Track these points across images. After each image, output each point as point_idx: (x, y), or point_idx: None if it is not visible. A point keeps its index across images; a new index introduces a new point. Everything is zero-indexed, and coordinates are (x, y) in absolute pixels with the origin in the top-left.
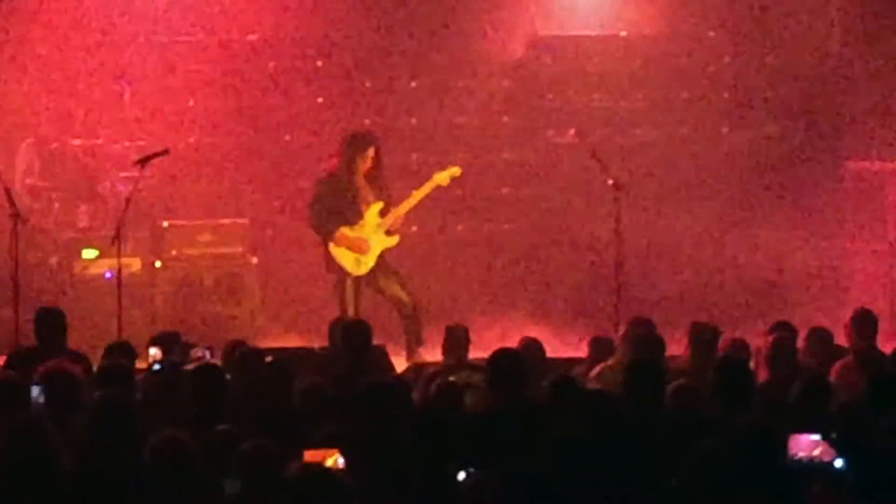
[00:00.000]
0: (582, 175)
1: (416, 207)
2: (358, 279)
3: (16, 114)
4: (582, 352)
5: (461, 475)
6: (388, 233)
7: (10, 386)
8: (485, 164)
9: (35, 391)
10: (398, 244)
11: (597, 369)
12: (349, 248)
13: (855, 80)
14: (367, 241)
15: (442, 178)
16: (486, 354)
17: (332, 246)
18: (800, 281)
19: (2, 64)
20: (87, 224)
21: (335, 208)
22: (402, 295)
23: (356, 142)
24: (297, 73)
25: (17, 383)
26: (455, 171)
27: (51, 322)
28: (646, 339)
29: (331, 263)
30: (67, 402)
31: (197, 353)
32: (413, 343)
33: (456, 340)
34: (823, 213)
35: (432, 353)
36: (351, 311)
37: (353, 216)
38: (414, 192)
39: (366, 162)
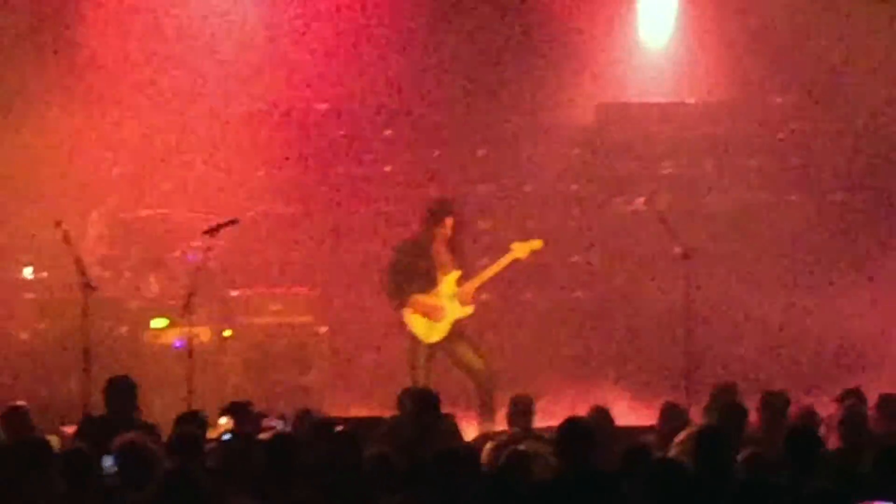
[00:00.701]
0: (651, 243)
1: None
2: (430, 347)
3: (87, 183)
4: (652, 420)
5: None
6: (463, 303)
7: (81, 455)
8: (554, 231)
9: (107, 462)
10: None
11: (681, 436)
12: (423, 314)
13: None
14: (442, 309)
15: (521, 250)
16: (555, 423)
17: (405, 312)
18: (868, 347)
19: (75, 133)
20: (156, 293)
21: (412, 274)
22: (477, 363)
23: (438, 209)
24: (366, 142)
25: (88, 453)
26: (536, 244)
27: (121, 391)
28: (730, 406)
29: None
30: (141, 473)
31: (269, 422)
32: (486, 411)
33: (521, 410)
34: (890, 280)
35: (503, 423)
36: (421, 380)
37: (428, 284)
38: (493, 265)
39: (445, 230)
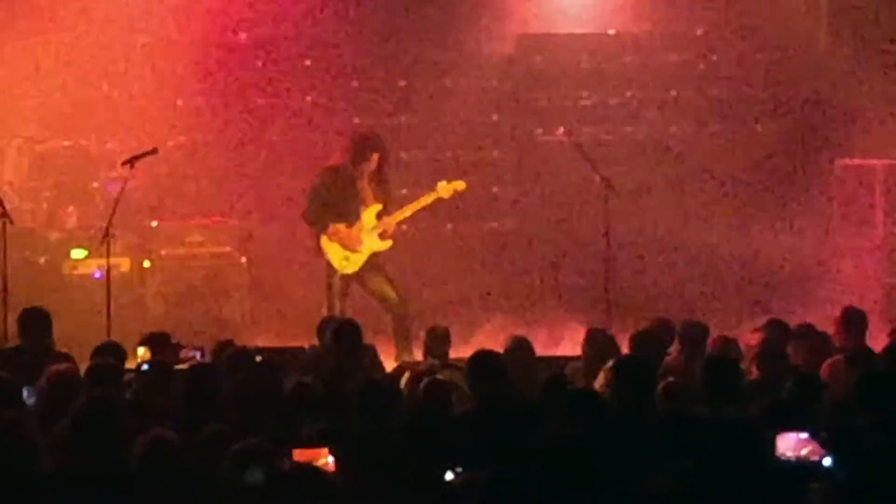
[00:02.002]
0: (572, 173)
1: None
2: (345, 278)
3: (3, 115)
4: (573, 350)
5: (449, 475)
6: (382, 236)
7: (2, 385)
8: (475, 162)
9: (26, 393)
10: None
11: (607, 365)
12: (340, 243)
13: (844, 77)
14: (361, 241)
15: (445, 190)
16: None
17: (323, 240)
18: (790, 278)
19: None
20: (75, 224)
21: (333, 203)
22: (392, 294)
23: (364, 144)
24: (287, 73)
25: (10, 383)
26: (459, 185)
27: (36, 322)
28: (649, 336)
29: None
30: (62, 405)
31: (187, 353)
32: (402, 342)
33: (438, 341)
34: (813, 211)
35: (420, 356)
36: (337, 310)
37: (349, 215)
38: (414, 202)
39: (370, 165)
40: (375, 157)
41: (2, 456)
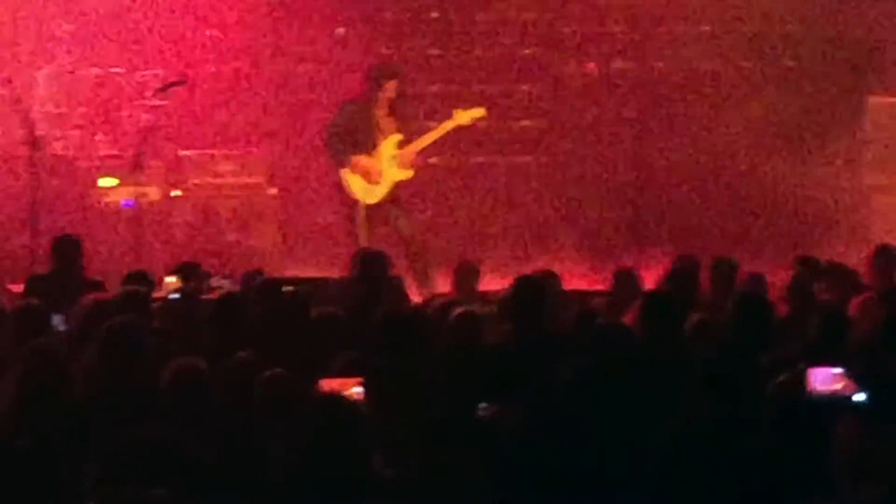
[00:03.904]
0: (602, 108)
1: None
2: (369, 208)
3: (33, 42)
4: (603, 285)
5: (480, 407)
6: (403, 166)
7: (34, 312)
8: (503, 96)
9: (56, 320)
10: (413, 178)
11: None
12: (362, 174)
13: (877, 11)
14: (380, 171)
15: (464, 117)
16: (500, 289)
17: (344, 172)
18: (821, 215)
19: None
20: (105, 152)
21: (352, 135)
22: (408, 229)
23: (380, 73)
24: (317, 4)
25: (41, 310)
26: (478, 112)
27: (66, 250)
28: (680, 272)
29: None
30: (94, 332)
31: (216, 282)
32: (420, 278)
33: (466, 275)
34: (844, 147)
35: (443, 290)
36: (363, 241)
37: (369, 146)
38: (434, 129)
39: (387, 93)
40: (391, 85)
41: (34, 382)
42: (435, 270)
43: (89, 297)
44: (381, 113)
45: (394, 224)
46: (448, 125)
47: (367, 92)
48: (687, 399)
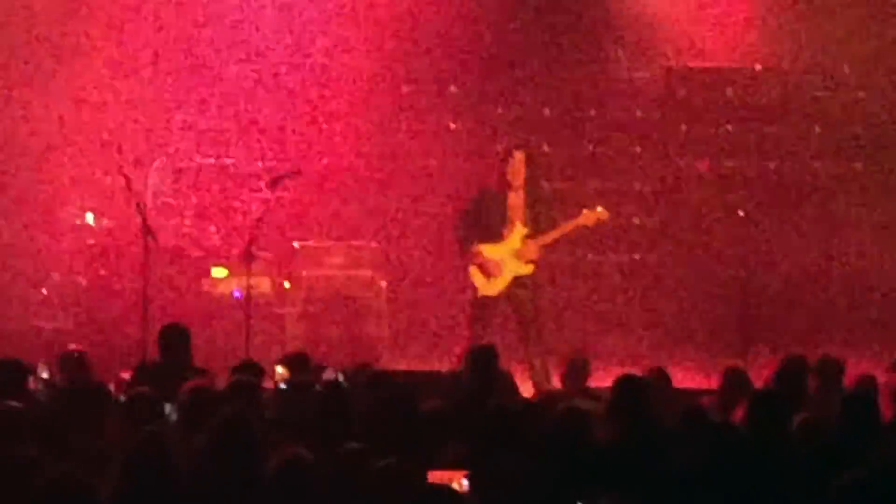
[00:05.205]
0: (714, 205)
1: None
2: (485, 300)
3: (150, 131)
4: (711, 384)
5: None
6: (524, 259)
7: (148, 400)
8: (617, 193)
9: (168, 408)
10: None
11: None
12: (482, 268)
13: None
14: (502, 265)
15: (588, 218)
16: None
17: (469, 264)
18: None
19: (137, 82)
20: (217, 243)
21: (479, 222)
22: (526, 300)
23: (507, 146)
24: (430, 99)
25: (151, 398)
26: (603, 214)
27: (174, 338)
28: (789, 372)
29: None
30: (199, 420)
31: (326, 374)
32: (538, 373)
33: (576, 370)
34: None
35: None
36: (479, 332)
37: (497, 233)
38: (558, 227)
39: (516, 165)
40: (519, 156)
41: (143, 469)
42: (552, 366)
43: (189, 385)
44: (513, 196)
45: (513, 298)
46: (573, 224)
47: (498, 171)
48: (792, 498)
